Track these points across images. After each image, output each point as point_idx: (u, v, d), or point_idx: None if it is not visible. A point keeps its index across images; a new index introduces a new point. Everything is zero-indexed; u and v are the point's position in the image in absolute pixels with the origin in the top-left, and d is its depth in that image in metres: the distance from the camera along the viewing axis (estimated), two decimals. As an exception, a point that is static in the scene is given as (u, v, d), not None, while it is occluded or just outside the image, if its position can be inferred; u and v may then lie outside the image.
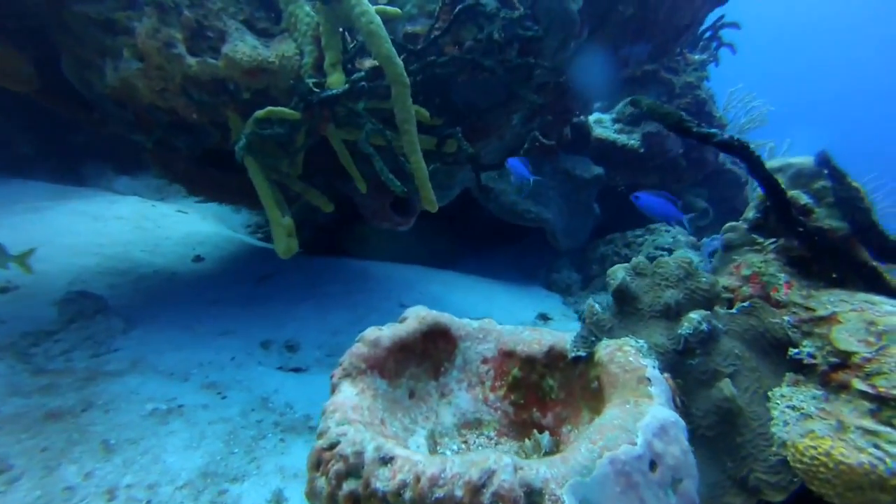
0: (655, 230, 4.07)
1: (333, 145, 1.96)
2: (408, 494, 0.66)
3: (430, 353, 1.16)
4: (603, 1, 2.29)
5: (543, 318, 3.55)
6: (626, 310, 0.95)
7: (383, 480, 0.69)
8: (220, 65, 1.65)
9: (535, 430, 1.04)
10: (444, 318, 1.20)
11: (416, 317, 1.16)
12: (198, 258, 3.53)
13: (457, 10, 1.83)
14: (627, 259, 4.12)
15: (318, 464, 0.79)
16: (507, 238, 5.63)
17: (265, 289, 3.25)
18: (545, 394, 1.07)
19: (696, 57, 4.51)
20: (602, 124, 4.28)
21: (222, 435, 1.79)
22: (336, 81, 1.65)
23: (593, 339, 0.94)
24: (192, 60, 1.61)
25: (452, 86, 2.27)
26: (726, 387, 0.79)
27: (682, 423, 0.72)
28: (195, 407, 1.93)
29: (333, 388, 1.00)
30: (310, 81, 1.64)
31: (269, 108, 1.64)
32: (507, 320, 1.42)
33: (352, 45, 1.81)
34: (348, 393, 0.94)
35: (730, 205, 5.67)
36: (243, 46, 1.65)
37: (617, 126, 4.28)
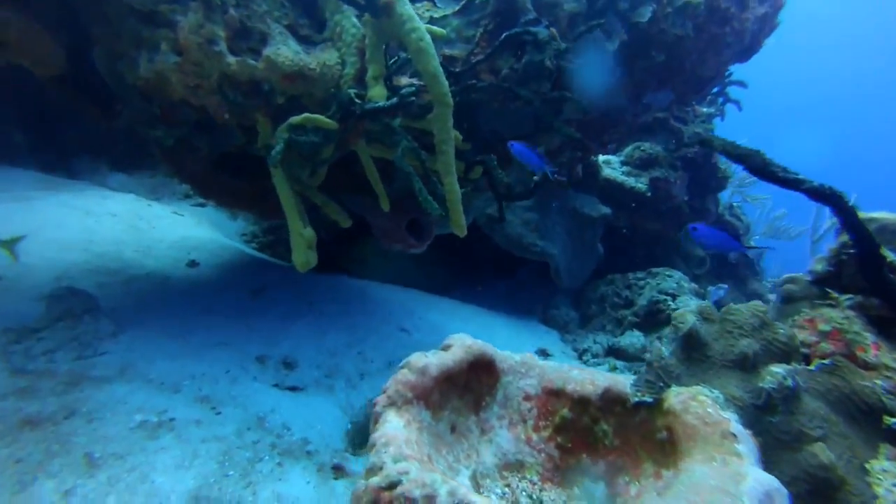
0: (658, 274, 4.08)
1: (362, 160, 1.91)
2: (492, 552, 0.58)
3: (473, 385, 1.09)
4: (636, 45, 2.31)
5: (543, 353, 3.48)
6: (695, 356, 0.90)
7: (460, 532, 0.61)
8: (259, 66, 1.60)
9: (585, 479, 0.96)
10: (489, 348, 1.13)
11: (462, 345, 1.08)
12: (193, 263, 3.40)
13: (503, 36, 1.82)
14: (629, 301, 4.11)
15: (373, 505, 0.70)
16: (500, 271, 5.59)
17: (260, 302, 3.13)
18: (597, 440, 1.00)
19: (704, 109, 4.62)
20: (610, 165, 4.33)
21: (216, 455, 1.65)
22: (378, 94, 1.62)
23: (661, 384, 0.88)
24: (231, 59, 1.56)
25: (482, 113, 2.26)
26: (822, 452, 0.73)
27: (785, 490, 0.65)
28: (187, 422, 1.79)
29: (376, 418, 0.91)
30: (351, 92, 1.59)
31: (307, 114, 1.59)
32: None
33: (392, 62, 1.78)
34: (396, 424, 0.86)
35: (725, 256, 5.74)
36: (286, 50, 1.61)
37: (625, 168, 4.33)
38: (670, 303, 3.50)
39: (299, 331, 2.83)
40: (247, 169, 2.31)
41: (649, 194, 4.22)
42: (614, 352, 3.42)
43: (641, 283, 4.08)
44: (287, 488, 1.60)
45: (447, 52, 2.11)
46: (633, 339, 3.41)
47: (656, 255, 5.08)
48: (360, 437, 2.15)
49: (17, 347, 2.03)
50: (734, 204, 5.49)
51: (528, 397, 1.12)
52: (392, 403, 0.92)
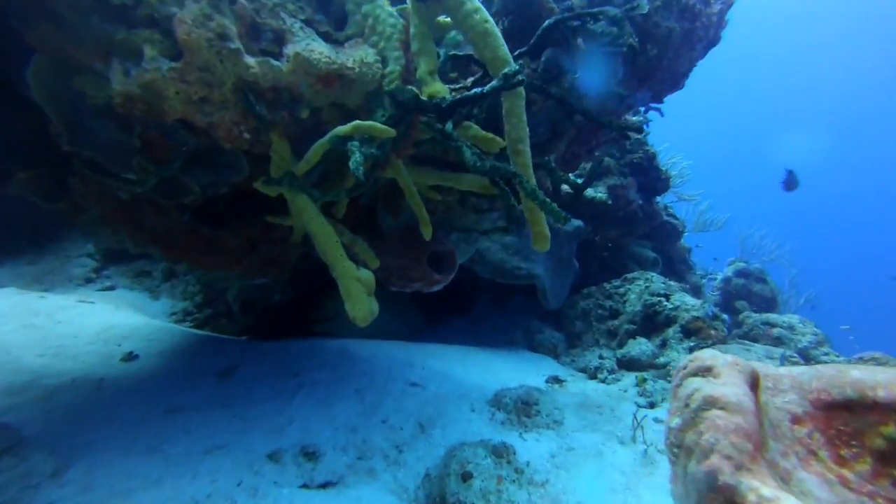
0: (634, 279, 4.08)
1: (402, 182, 1.58)
2: None
3: (753, 417, 0.80)
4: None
5: (556, 380, 3.23)
6: None
7: None
8: (285, 68, 1.23)
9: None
10: (746, 361, 0.86)
11: (728, 363, 0.80)
12: (130, 356, 2.70)
13: (546, 25, 1.63)
14: (613, 311, 4.04)
15: None
16: (456, 308, 5.33)
17: (235, 385, 2.53)
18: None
19: (633, 118, 4.86)
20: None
21: None
22: (438, 91, 1.32)
23: None
24: (251, 60, 1.18)
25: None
26: None
27: None
28: (228, 571, 1.26)
29: (730, 495, 0.59)
30: (411, 88, 1.28)
31: (357, 122, 1.24)
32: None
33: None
34: (788, 499, 0.55)
35: (666, 255, 6.01)
36: (319, 46, 1.26)
37: (580, 181, 4.34)
38: (665, 303, 3.47)
39: (300, 409, 2.29)
40: (230, 216, 1.85)
41: (610, 202, 4.27)
42: (627, 363, 3.28)
43: (622, 290, 4.05)
44: None
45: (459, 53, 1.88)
46: (641, 346, 3.30)
47: (608, 264, 5.16)
48: (432, 526, 1.70)
49: None
50: (667, 205, 5.81)
51: (797, 419, 0.85)
52: (740, 466, 0.61)
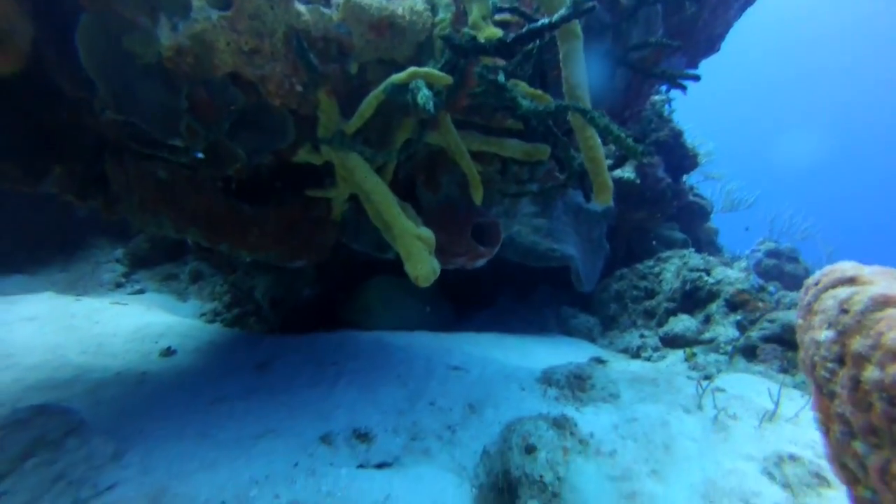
0: (668, 258, 3.97)
1: (449, 142, 1.51)
2: None
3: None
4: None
5: (599, 361, 3.13)
6: None
7: None
8: (336, 16, 1.18)
9: None
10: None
11: (878, 271, 0.72)
12: (168, 351, 2.68)
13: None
14: (649, 292, 3.93)
15: None
16: (484, 301, 5.24)
17: (275, 375, 2.49)
18: None
19: (656, 98, 4.75)
20: (594, 160, 4.23)
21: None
22: (494, 34, 1.26)
23: None
24: (301, 7, 1.13)
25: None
26: None
27: None
28: (300, 547, 1.20)
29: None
30: (468, 31, 1.22)
31: (413, 68, 1.18)
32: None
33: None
34: None
35: (694, 237, 5.87)
36: (369, -8, 1.21)
37: (608, 161, 4.25)
38: (707, 278, 3.35)
39: (344, 395, 2.24)
40: (265, 196, 1.80)
41: (638, 181, 4.16)
42: (670, 341, 3.17)
43: (656, 269, 3.94)
44: None
45: (498, 17, 1.82)
46: (684, 323, 3.19)
47: (634, 250, 5.03)
48: (496, 500, 1.63)
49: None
50: (692, 185, 5.68)
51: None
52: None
